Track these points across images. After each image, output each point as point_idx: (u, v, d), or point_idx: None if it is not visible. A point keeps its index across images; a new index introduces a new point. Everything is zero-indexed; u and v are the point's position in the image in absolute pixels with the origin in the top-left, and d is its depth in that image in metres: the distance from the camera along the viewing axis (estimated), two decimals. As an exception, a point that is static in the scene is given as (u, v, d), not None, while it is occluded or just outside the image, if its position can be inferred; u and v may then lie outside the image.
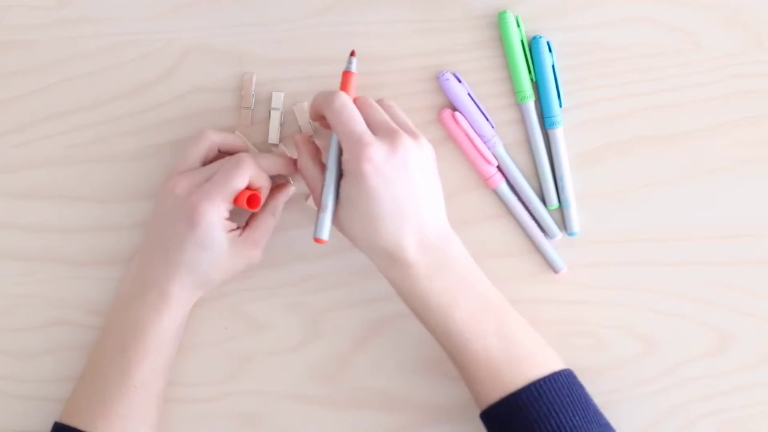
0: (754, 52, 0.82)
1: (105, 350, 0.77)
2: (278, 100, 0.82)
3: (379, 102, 0.77)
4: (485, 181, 0.82)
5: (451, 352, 0.75)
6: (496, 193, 0.82)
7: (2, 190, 0.83)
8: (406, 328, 0.83)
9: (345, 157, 0.72)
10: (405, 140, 0.72)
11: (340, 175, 0.74)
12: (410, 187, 0.73)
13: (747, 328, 0.82)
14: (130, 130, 0.83)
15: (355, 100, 0.75)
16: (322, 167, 0.75)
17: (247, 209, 0.76)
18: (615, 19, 0.82)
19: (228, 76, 0.82)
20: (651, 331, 0.82)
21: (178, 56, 0.83)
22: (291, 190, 0.81)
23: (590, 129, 0.82)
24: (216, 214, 0.74)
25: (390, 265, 0.74)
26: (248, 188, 0.76)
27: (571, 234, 0.82)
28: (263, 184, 0.77)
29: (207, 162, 0.79)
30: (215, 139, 0.78)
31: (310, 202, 0.82)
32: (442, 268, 0.74)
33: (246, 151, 0.80)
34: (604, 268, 0.82)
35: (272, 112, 0.81)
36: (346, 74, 0.76)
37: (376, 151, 0.71)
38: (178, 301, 0.76)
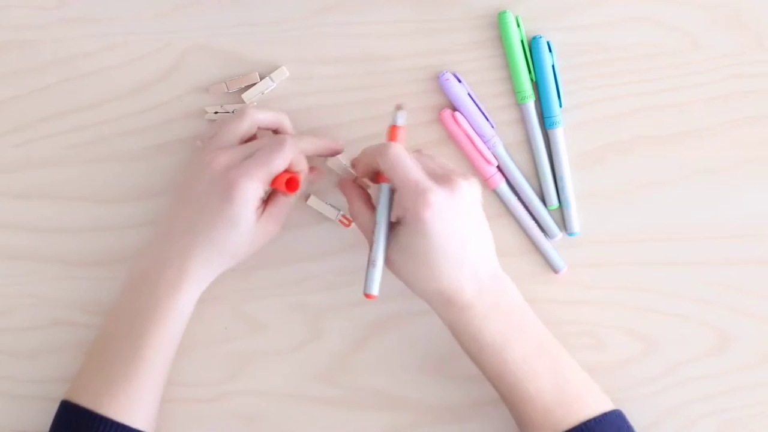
0: (754, 52, 0.82)
1: (118, 326, 0.76)
2: (281, 74, 0.81)
3: (418, 152, 0.77)
4: (485, 181, 0.82)
5: (503, 393, 0.76)
6: (496, 193, 0.82)
7: (2, 190, 0.83)
8: (406, 328, 0.83)
9: (404, 204, 0.72)
10: (461, 183, 0.73)
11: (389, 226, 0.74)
12: (467, 230, 0.73)
13: (747, 328, 0.82)
14: (130, 130, 0.83)
15: (384, 151, 0.74)
16: (374, 210, 0.75)
17: (284, 191, 0.75)
18: (615, 19, 0.82)
19: (228, 76, 0.82)
20: (651, 331, 0.82)
21: (178, 56, 0.83)
22: (322, 173, 0.81)
23: (590, 129, 0.82)
24: (253, 191, 0.73)
25: (446, 307, 0.74)
26: (287, 171, 0.76)
27: (571, 234, 0.82)
28: (302, 168, 0.77)
29: (245, 140, 0.78)
30: (258, 117, 0.77)
31: (311, 202, 0.82)
32: (496, 309, 0.74)
33: (286, 130, 0.79)
34: (604, 268, 0.82)
35: (267, 79, 0.81)
36: (394, 128, 0.75)
37: (435, 197, 0.71)
38: (197, 279, 0.76)
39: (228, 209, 0.73)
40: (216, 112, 0.82)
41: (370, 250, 0.74)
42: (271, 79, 0.82)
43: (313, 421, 0.83)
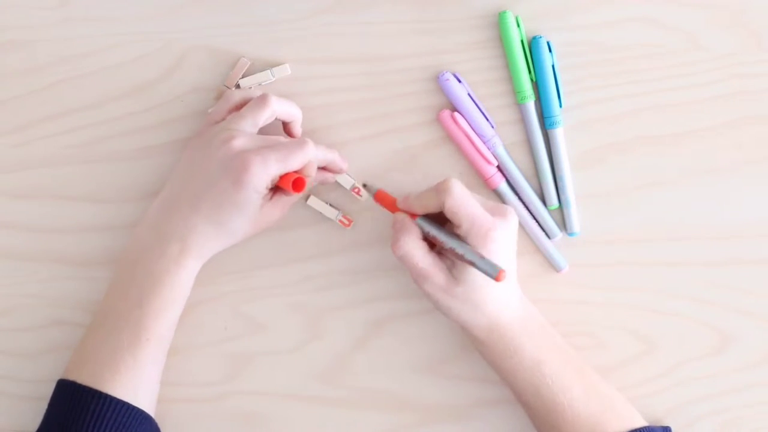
0: (754, 52, 0.82)
1: (118, 301, 0.76)
2: (283, 71, 0.82)
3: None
4: (485, 181, 0.82)
5: (536, 408, 0.76)
6: (496, 193, 0.82)
7: (2, 190, 0.83)
8: (406, 328, 0.83)
9: (471, 241, 0.73)
10: (512, 214, 0.75)
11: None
12: (514, 257, 0.76)
13: (747, 328, 0.82)
14: (130, 130, 0.83)
15: (450, 188, 0.74)
16: (424, 248, 0.75)
17: (289, 191, 0.75)
18: (615, 19, 0.82)
19: (227, 77, 0.82)
20: (651, 331, 0.82)
21: (178, 56, 0.83)
22: (330, 177, 0.81)
23: (590, 129, 0.82)
24: (265, 178, 0.74)
25: (489, 330, 0.76)
26: (296, 171, 0.76)
27: (571, 234, 0.82)
28: (312, 174, 0.77)
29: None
30: (276, 107, 0.77)
31: (311, 201, 0.82)
32: (528, 326, 0.77)
33: (297, 127, 0.80)
34: (604, 268, 0.82)
35: (267, 71, 0.81)
36: (379, 193, 0.79)
37: (498, 233, 0.73)
38: (199, 254, 0.76)
39: (236, 193, 0.74)
40: None
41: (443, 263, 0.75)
42: (272, 73, 0.82)
43: (313, 421, 0.83)
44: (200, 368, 0.82)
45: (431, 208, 0.75)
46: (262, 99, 0.77)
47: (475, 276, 0.73)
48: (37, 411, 0.82)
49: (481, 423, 0.82)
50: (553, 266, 0.82)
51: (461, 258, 0.73)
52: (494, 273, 0.71)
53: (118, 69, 0.83)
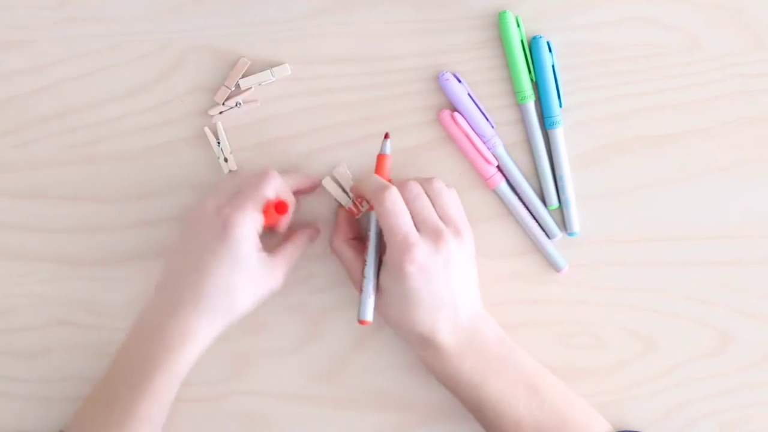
0: (754, 52, 0.82)
1: (115, 379, 0.75)
2: (283, 71, 0.82)
3: (428, 184, 0.77)
4: (485, 181, 0.82)
5: (485, 426, 0.77)
6: (496, 193, 0.82)
7: (2, 190, 0.83)
8: (406, 328, 0.83)
9: (388, 250, 0.74)
10: (448, 241, 0.74)
11: (379, 253, 0.77)
12: (449, 282, 0.75)
13: (747, 328, 0.82)
14: (130, 130, 0.83)
15: (403, 190, 0.75)
16: (356, 248, 0.78)
17: (276, 217, 0.75)
18: (615, 19, 0.82)
19: (228, 76, 0.82)
20: (651, 331, 0.82)
21: (178, 56, 0.83)
22: (317, 234, 0.81)
23: (590, 129, 0.82)
24: (250, 223, 0.73)
25: (423, 347, 0.76)
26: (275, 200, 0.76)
27: (571, 234, 0.82)
28: (289, 199, 0.77)
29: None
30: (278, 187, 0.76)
31: (326, 182, 0.81)
32: (471, 348, 0.76)
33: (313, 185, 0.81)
34: (604, 268, 0.82)
35: (267, 71, 0.82)
36: (381, 157, 0.78)
37: (419, 252, 0.73)
38: (196, 339, 0.74)
39: (227, 247, 0.73)
40: (221, 112, 0.82)
41: (362, 277, 0.76)
42: (272, 73, 0.82)
43: (313, 421, 0.83)
44: (200, 368, 0.82)
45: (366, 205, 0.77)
46: (263, 174, 0.76)
47: (390, 287, 0.75)
48: (37, 411, 0.82)
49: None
50: (553, 266, 0.82)
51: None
52: (358, 317, 0.76)
53: (118, 69, 0.83)
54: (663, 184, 0.82)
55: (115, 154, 0.83)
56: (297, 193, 0.80)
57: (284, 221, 0.77)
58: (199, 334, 0.74)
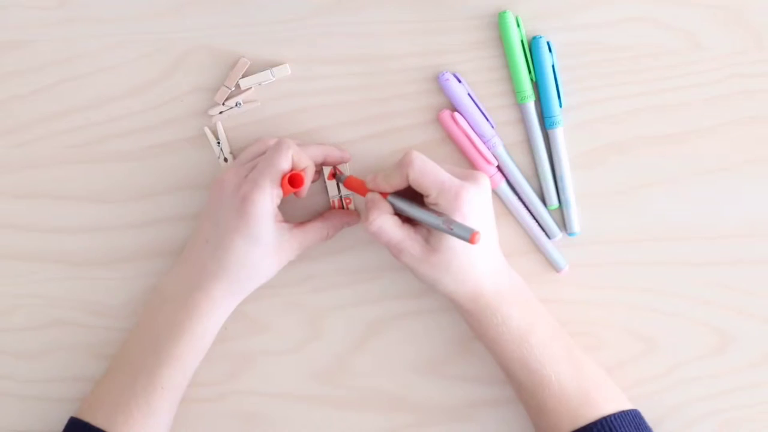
0: (754, 52, 0.82)
1: (137, 348, 0.77)
2: (283, 71, 0.82)
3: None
4: (485, 181, 0.82)
5: (523, 382, 0.76)
6: (496, 193, 0.82)
7: (2, 190, 0.83)
8: (405, 328, 0.83)
9: (440, 206, 0.73)
10: (482, 176, 0.75)
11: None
12: (492, 222, 0.76)
13: (747, 328, 0.82)
14: (130, 130, 0.83)
15: (411, 161, 0.75)
16: (399, 223, 0.75)
17: (293, 192, 0.76)
18: (615, 19, 0.82)
19: (228, 76, 0.82)
20: (651, 331, 0.82)
21: (178, 56, 0.82)
22: (356, 216, 0.82)
23: (590, 129, 0.82)
24: (268, 200, 0.74)
25: (475, 299, 0.75)
26: (292, 170, 0.76)
27: (571, 234, 0.82)
28: (306, 164, 0.77)
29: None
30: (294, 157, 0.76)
31: (329, 182, 0.82)
32: (519, 296, 0.77)
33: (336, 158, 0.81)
34: (604, 268, 0.82)
35: (267, 71, 0.82)
36: (350, 179, 0.80)
37: (468, 193, 0.73)
38: (220, 306, 0.76)
39: (246, 225, 0.74)
40: (221, 112, 0.82)
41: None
42: (272, 73, 0.82)
43: (313, 421, 0.83)
44: (200, 368, 0.82)
45: (398, 184, 0.75)
46: (278, 144, 0.76)
47: (452, 242, 0.73)
48: (37, 411, 0.82)
49: (481, 423, 0.82)
50: (552, 266, 0.82)
51: (435, 227, 0.73)
52: (467, 235, 0.70)
53: (118, 69, 0.83)
54: (663, 184, 0.82)
55: (115, 154, 0.83)
56: (325, 163, 0.81)
57: (303, 189, 0.77)
58: (223, 302, 0.76)
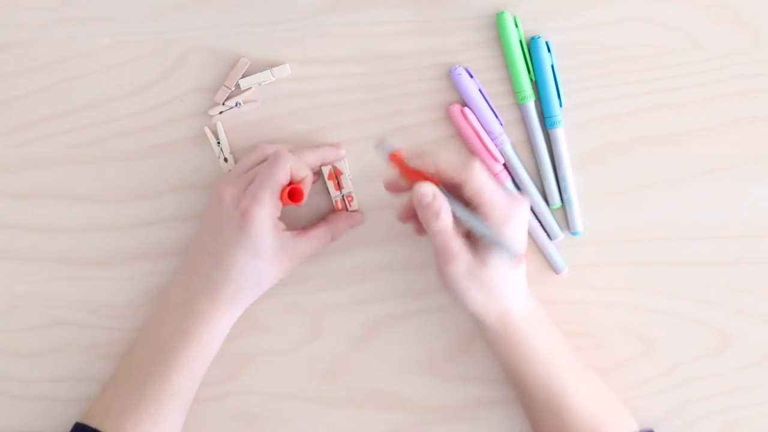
0: (754, 52, 0.82)
1: (144, 355, 0.77)
2: (283, 71, 0.82)
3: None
4: (489, 179, 0.82)
5: (545, 402, 0.75)
6: (497, 193, 0.82)
7: (2, 190, 0.83)
8: (405, 328, 0.83)
9: (492, 224, 0.72)
10: (526, 202, 0.75)
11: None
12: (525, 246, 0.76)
13: (747, 328, 0.82)
14: (130, 130, 0.83)
15: (476, 170, 0.73)
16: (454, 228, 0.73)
17: (292, 204, 0.76)
18: (615, 19, 0.82)
19: (228, 76, 0.82)
20: (651, 331, 0.82)
21: (178, 56, 0.83)
22: (359, 218, 0.82)
23: (591, 129, 0.82)
24: (267, 215, 0.74)
25: (503, 319, 0.75)
26: (290, 182, 0.76)
27: (574, 233, 0.82)
28: (305, 174, 0.77)
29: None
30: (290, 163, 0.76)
31: (329, 183, 0.81)
32: (542, 318, 0.77)
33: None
34: (605, 268, 0.82)
35: (268, 71, 0.82)
36: (396, 155, 0.74)
37: (523, 213, 0.74)
38: (227, 313, 0.77)
39: (247, 240, 0.74)
40: (221, 112, 0.82)
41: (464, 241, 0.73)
42: (272, 73, 0.82)
43: (313, 421, 0.83)
44: (200, 368, 0.82)
45: (448, 179, 0.73)
46: (276, 155, 0.76)
47: (497, 259, 0.72)
48: (37, 411, 0.82)
49: (481, 423, 0.82)
50: (552, 267, 0.82)
51: (489, 238, 0.71)
52: (515, 256, 0.71)
53: (118, 69, 0.83)
54: (663, 184, 0.82)
55: (115, 154, 0.83)
56: (323, 165, 0.81)
57: (302, 200, 0.77)
58: (230, 309, 0.77)
